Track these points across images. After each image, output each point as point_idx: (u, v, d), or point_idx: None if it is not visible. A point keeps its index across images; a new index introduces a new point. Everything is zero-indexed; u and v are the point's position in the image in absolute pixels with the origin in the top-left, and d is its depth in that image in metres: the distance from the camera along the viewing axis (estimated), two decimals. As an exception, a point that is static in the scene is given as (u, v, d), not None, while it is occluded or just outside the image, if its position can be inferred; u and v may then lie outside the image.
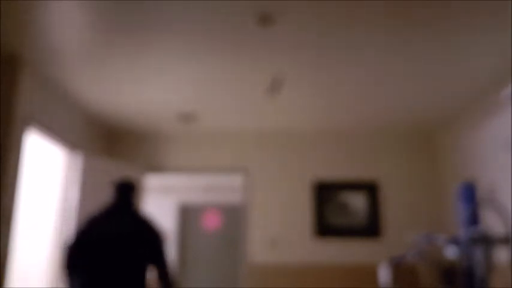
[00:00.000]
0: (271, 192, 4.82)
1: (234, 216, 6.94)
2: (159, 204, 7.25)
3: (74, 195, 4.00)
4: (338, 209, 4.73)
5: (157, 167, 4.92)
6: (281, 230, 4.70)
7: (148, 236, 2.59)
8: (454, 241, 2.47)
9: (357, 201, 4.75)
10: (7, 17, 2.64)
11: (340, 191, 4.78)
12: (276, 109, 4.28)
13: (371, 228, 4.66)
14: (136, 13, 2.61)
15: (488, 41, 2.91)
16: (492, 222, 3.53)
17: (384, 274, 3.55)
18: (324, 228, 4.68)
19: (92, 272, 2.48)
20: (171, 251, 6.80)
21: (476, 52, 3.07)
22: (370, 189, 4.76)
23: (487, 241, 2.28)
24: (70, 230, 3.91)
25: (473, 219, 2.41)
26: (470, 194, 2.48)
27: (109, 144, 4.99)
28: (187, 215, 7.46)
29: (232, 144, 4.97)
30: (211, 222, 6.94)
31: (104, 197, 4.23)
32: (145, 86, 3.73)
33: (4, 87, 3.12)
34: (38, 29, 2.78)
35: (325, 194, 4.77)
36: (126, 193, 2.72)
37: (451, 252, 2.53)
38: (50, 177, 4.02)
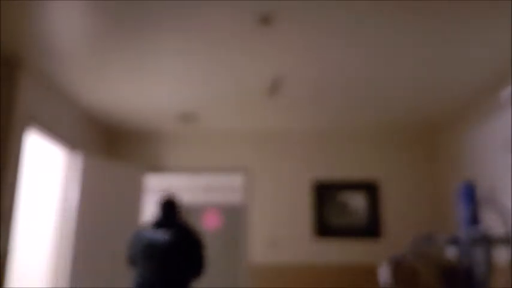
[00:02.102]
0: (271, 192, 4.82)
1: (234, 216, 6.93)
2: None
3: (74, 195, 3.99)
4: (338, 209, 4.73)
5: (157, 167, 4.92)
6: (281, 230, 4.70)
7: (187, 244, 3.13)
8: (454, 241, 2.46)
9: (357, 201, 4.75)
10: (7, 17, 2.64)
11: (340, 191, 4.78)
12: (276, 109, 4.28)
13: (371, 228, 4.66)
14: (136, 13, 2.61)
15: (488, 40, 2.91)
16: (492, 222, 3.53)
17: (384, 274, 3.55)
18: (324, 228, 4.68)
19: (144, 272, 3.05)
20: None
21: (476, 52, 3.07)
22: (370, 189, 4.76)
23: (487, 241, 2.28)
24: (70, 230, 3.91)
25: (473, 219, 2.41)
26: (470, 194, 2.48)
27: (109, 144, 4.99)
28: (187, 215, 7.45)
29: (232, 144, 4.97)
30: (211, 222, 6.94)
31: (104, 197, 4.23)
32: (145, 86, 3.73)
33: (4, 87, 3.12)
34: (38, 29, 2.78)
35: (325, 194, 4.77)
36: (169, 209, 3.26)
37: (451, 252, 2.53)
38: (50, 177, 4.02)
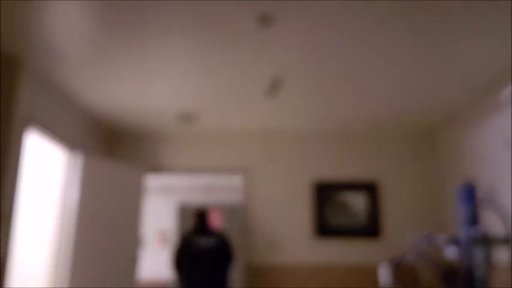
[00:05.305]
0: (271, 192, 4.82)
1: (234, 216, 6.93)
2: (159, 204, 7.25)
3: (74, 195, 3.99)
4: (338, 209, 4.73)
5: (157, 167, 4.92)
6: (281, 230, 4.70)
7: (223, 249, 3.86)
8: (454, 241, 2.47)
9: (357, 201, 4.75)
10: (7, 17, 2.64)
11: (340, 191, 4.78)
12: (276, 109, 4.28)
13: (371, 228, 4.66)
14: (136, 13, 2.61)
15: (488, 41, 2.91)
16: (492, 222, 3.53)
17: (384, 274, 3.55)
18: (324, 228, 4.68)
19: (191, 273, 3.77)
20: (171, 251, 6.78)
21: (476, 52, 3.07)
22: (370, 189, 4.76)
23: (487, 241, 2.28)
24: (70, 230, 3.91)
25: (473, 219, 2.41)
26: (470, 194, 2.48)
27: (109, 144, 4.99)
28: (187, 215, 7.44)
29: (232, 144, 4.97)
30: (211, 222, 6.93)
31: (104, 197, 4.23)
32: (145, 86, 3.73)
33: (4, 87, 3.12)
34: (38, 29, 2.78)
35: (325, 194, 4.77)
36: (203, 218, 3.98)
37: (451, 252, 2.53)
38: (50, 177, 4.02)
